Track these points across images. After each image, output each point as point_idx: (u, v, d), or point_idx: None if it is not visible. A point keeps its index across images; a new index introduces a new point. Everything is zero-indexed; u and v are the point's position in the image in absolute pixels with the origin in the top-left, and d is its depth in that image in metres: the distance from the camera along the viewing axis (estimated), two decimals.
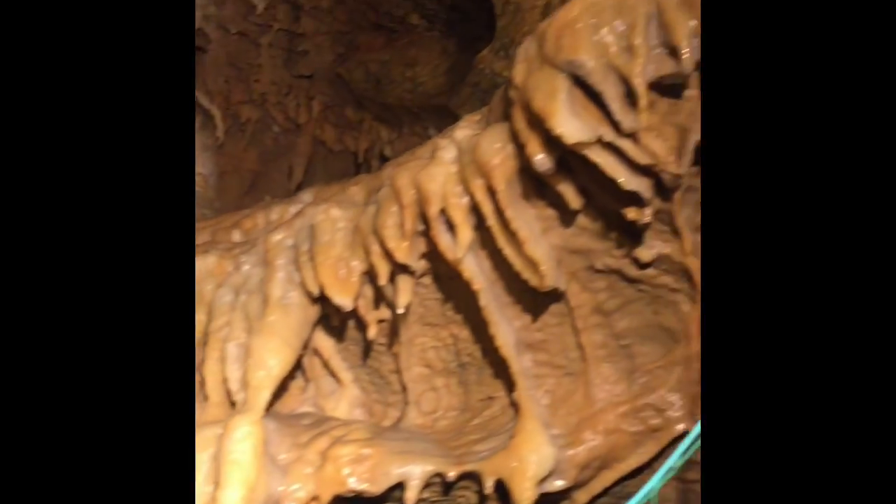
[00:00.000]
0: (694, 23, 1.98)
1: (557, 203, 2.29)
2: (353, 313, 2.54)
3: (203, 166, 4.93)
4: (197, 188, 4.53)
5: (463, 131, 2.45)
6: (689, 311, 2.37)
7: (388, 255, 2.41)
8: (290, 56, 5.20)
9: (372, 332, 2.51)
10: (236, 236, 3.09)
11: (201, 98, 5.10)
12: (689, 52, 1.98)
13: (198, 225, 3.27)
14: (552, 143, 2.11)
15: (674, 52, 2.01)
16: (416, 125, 4.89)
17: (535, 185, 2.29)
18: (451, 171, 2.37)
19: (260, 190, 5.12)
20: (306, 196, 3.12)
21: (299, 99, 5.17)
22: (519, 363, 2.42)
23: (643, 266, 2.34)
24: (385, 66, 5.05)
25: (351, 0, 5.18)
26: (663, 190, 2.18)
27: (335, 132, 5.14)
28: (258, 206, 3.34)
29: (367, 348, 2.65)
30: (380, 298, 2.53)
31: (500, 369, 2.50)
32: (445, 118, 4.81)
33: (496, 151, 2.27)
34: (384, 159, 4.99)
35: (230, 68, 5.19)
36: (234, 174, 5.12)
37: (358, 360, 2.69)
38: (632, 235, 2.30)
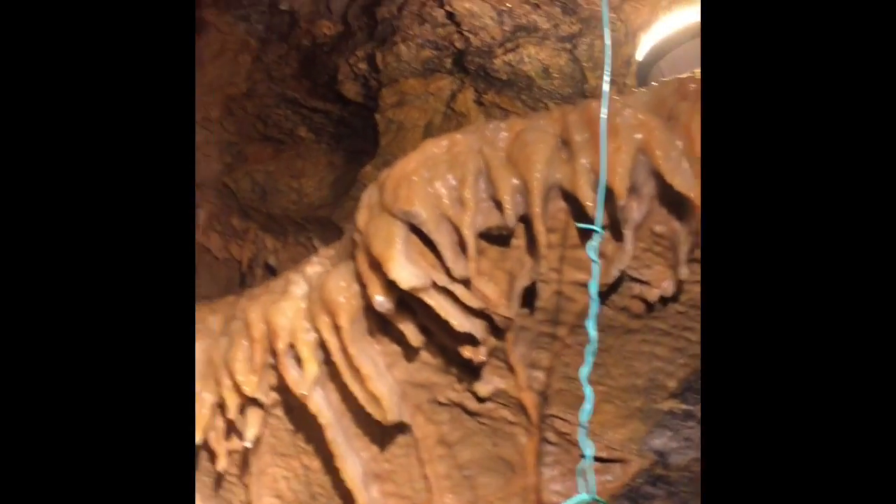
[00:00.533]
0: (516, 181, 2.16)
1: (400, 340, 2.39)
2: (204, 444, 2.55)
3: None
4: None
5: (314, 267, 2.55)
6: (526, 443, 2.48)
7: (237, 387, 2.45)
8: None
9: (222, 463, 2.52)
10: None
11: None
12: (512, 207, 2.14)
13: None
14: (391, 285, 2.22)
15: (499, 205, 2.17)
16: (301, 235, 4.98)
17: (379, 323, 2.38)
18: (300, 306, 2.45)
19: None
20: None
21: None
22: (365, 495, 2.47)
23: (482, 400, 2.45)
24: (271, 176, 5.17)
25: (241, 112, 5.31)
26: (497, 330, 2.31)
27: (221, 240, 5.18)
28: None
29: (219, 479, 2.65)
30: (231, 429, 2.55)
31: (349, 501, 2.53)
32: (329, 230, 4.94)
33: (341, 290, 2.37)
34: (269, 268, 5.06)
35: None
36: None
37: (209, 491, 2.68)
38: (471, 371, 2.41)
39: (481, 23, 4.54)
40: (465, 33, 4.60)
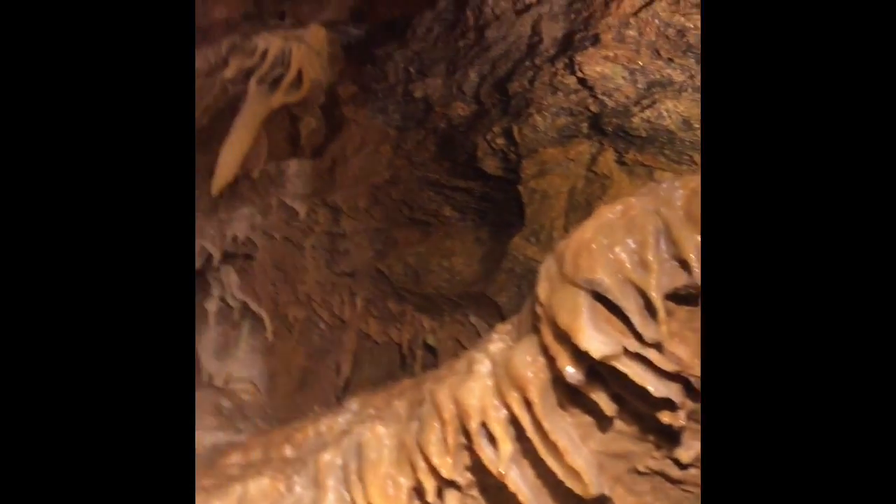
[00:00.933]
0: (699, 237, 2.12)
1: (593, 410, 2.35)
2: None
3: (253, 369, 5.12)
4: (247, 396, 4.70)
5: (496, 344, 2.57)
6: None
7: (433, 470, 2.47)
8: (332, 256, 5.49)
9: None
10: (288, 451, 3.18)
11: (250, 302, 5.37)
12: (698, 264, 2.10)
13: (250, 441, 3.41)
14: (580, 355, 2.21)
15: (684, 264, 2.14)
16: (457, 313, 5.04)
17: (569, 394, 2.36)
18: (487, 384, 2.46)
19: (310, 387, 5.27)
20: (353, 405, 3.23)
21: (343, 296, 5.41)
22: None
23: (684, 466, 2.36)
24: (422, 258, 5.29)
25: (386, 199, 5.51)
26: (693, 392, 2.24)
27: (379, 325, 5.32)
28: (308, 418, 3.45)
29: None
30: None
31: None
32: (484, 305, 4.98)
33: (528, 364, 2.37)
34: (428, 348, 5.14)
35: (276, 272, 5.50)
36: (285, 374, 5.30)
37: None
38: (669, 436, 2.34)
39: (614, 84, 4.53)
40: (599, 96, 4.61)
